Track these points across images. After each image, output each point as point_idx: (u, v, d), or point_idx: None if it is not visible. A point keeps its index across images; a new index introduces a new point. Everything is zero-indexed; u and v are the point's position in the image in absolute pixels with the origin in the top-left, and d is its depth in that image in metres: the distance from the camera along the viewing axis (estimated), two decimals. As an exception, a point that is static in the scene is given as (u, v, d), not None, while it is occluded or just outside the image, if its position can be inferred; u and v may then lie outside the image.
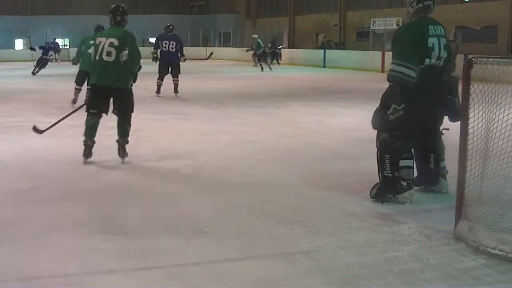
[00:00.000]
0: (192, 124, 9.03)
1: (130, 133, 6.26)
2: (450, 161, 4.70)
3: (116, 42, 5.97)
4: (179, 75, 13.22)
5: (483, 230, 3.56)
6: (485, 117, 3.69)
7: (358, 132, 7.88)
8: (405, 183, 4.55)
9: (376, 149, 4.67)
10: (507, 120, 3.72)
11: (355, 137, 7.59)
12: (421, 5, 4.61)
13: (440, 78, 4.64)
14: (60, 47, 33.78)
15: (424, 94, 4.54)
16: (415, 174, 4.72)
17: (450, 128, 4.76)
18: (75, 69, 19.64)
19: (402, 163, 4.54)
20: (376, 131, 4.70)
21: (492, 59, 3.57)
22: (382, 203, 4.54)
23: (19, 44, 39.84)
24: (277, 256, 3.48)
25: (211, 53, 22.04)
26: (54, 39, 33.97)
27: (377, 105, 4.71)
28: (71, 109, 10.95)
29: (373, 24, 27.24)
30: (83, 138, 6.12)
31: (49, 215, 4.32)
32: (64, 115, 7.00)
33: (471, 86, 3.64)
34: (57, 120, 7.02)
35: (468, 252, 3.49)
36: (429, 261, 3.37)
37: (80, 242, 3.74)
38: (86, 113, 6.18)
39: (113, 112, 6.14)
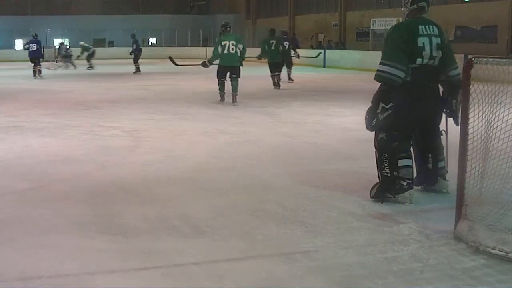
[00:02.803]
0: (192, 124, 9.02)
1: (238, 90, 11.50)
2: (450, 161, 4.71)
3: (234, 43, 11.44)
4: (292, 67, 17.73)
5: (483, 230, 3.56)
6: (485, 117, 3.69)
7: (358, 132, 7.86)
8: (405, 183, 4.53)
9: (374, 149, 4.68)
10: (507, 120, 3.72)
11: (355, 137, 7.59)
12: (415, 6, 4.64)
13: (436, 77, 4.65)
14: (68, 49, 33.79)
15: (417, 94, 4.54)
16: (415, 174, 4.72)
17: (449, 129, 4.77)
18: (72, 70, 19.83)
19: (401, 162, 4.53)
20: (372, 131, 4.72)
21: (492, 59, 3.57)
22: (382, 203, 4.54)
23: (19, 44, 39.82)
24: (277, 256, 3.48)
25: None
26: (62, 43, 33.98)
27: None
28: (69, 109, 10.97)
29: (373, 24, 27.28)
30: (219, 92, 11.63)
31: (49, 215, 4.32)
32: (194, 64, 12.53)
33: (471, 86, 3.64)
34: (190, 64, 12.97)
35: (468, 252, 3.49)
36: (429, 261, 3.37)
37: (80, 242, 3.74)
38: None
39: (230, 77, 11.47)
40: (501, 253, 3.38)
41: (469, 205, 3.71)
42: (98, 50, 27.03)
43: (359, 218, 4.19)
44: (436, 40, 4.55)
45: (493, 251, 3.41)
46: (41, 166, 6.07)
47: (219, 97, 11.60)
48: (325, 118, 9.82)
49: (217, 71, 11.65)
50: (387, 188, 4.56)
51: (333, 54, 26.81)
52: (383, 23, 25.72)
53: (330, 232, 3.89)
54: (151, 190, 5.07)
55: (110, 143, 7.34)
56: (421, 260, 3.39)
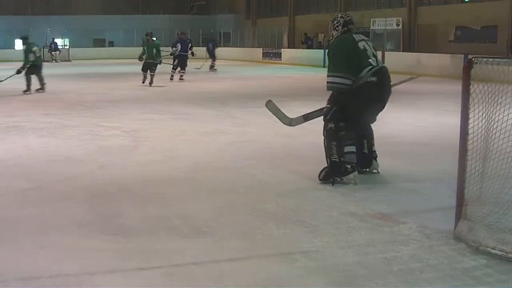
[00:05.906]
0: (192, 124, 9.02)
1: None
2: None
3: (38, 48, 15.40)
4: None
5: (483, 230, 3.56)
6: (485, 117, 3.69)
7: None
8: (349, 166, 5.07)
9: (323, 137, 5.19)
10: (507, 120, 3.73)
11: (355, 137, 7.57)
12: (345, 28, 5.27)
13: (389, 76, 5.20)
14: (59, 47, 33.79)
15: (383, 92, 5.12)
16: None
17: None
18: (72, 70, 19.85)
19: (347, 149, 5.11)
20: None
21: (492, 59, 3.57)
22: (332, 185, 4.99)
23: (19, 44, 39.75)
24: (277, 256, 3.48)
25: None
26: (53, 39, 33.93)
27: None
28: (69, 109, 10.92)
29: (373, 24, 27.24)
30: (27, 84, 14.48)
31: (49, 215, 4.33)
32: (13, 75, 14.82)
33: (471, 86, 3.64)
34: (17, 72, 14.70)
35: (468, 252, 3.49)
36: (429, 261, 3.37)
37: (80, 242, 3.74)
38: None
39: (37, 74, 14.75)
40: (501, 253, 3.38)
41: (469, 205, 3.71)
42: (99, 50, 26.94)
43: (359, 218, 4.19)
44: (370, 43, 5.23)
45: (493, 251, 3.41)
46: (41, 166, 6.07)
47: (27, 90, 14.57)
48: (325, 118, 9.80)
49: (28, 71, 14.77)
50: (335, 172, 5.08)
51: (333, 54, 26.74)
52: (383, 23, 25.71)
53: (330, 232, 3.89)
54: (151, 190, 5.07)
55: (110, 143, 7.34)
56: (421, 260, 3.39)
